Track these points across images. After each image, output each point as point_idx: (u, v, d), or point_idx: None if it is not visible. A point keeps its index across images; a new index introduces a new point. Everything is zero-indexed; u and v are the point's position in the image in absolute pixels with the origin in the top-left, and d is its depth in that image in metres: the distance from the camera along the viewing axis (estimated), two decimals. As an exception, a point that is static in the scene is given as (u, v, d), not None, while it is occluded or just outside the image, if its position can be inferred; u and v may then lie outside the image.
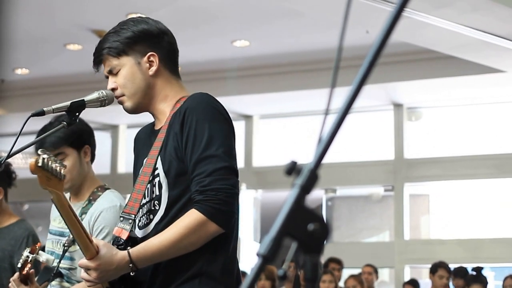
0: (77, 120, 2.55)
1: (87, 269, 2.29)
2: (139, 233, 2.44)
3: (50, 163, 2.30)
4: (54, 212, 3.23)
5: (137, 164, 2.59)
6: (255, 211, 11.58)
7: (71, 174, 3.07)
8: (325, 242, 1.07)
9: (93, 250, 2.28)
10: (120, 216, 2.46)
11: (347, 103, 1.08)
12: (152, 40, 2.49)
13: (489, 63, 8.50)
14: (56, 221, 3.20)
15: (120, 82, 2.48)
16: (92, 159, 3.23)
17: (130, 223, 2.40)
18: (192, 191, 2.29)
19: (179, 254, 2.29)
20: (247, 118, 11.31)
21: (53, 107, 2.48)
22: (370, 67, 1.08)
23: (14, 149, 2.50)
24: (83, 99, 2.55)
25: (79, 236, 2.31)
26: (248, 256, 11.00)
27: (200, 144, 2.30)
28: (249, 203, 11.42)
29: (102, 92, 2.55)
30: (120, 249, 2.32)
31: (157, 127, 2.52)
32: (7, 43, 9.33)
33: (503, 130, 10.48)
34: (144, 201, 2.43)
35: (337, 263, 8.42)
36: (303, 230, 1.05)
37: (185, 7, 7.93)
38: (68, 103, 2.50)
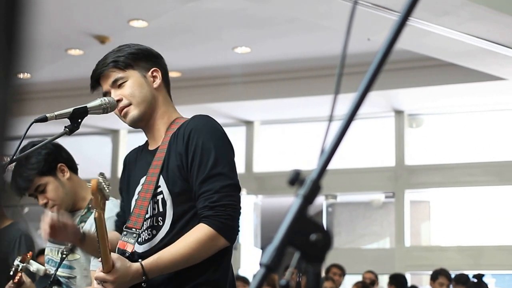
0: (78, 127, 2.55)
1: (103, 281, 2.35)
2: (138, 248, 2.51)
3: (105, 185, 2.37)
4: None
5: (130, 182, 2.65)
6: (255, 217, 11.60)
7: (59, 200, 3.11)
8: (327, 252, 1.08)
9: (110, 264, 2.34)
10: (124, 230, 2.53)
11: (350, 112, 1.09)
12: (153, 59, 2.63)
13: (490, 71, 8.51)
14: None
15: (127, 92, 2.55)
16: (74, 169, 3.22)
17: (135, 237, 2.48)
18: (200, 207, 2.40)
19: (188, 266, 2.39)
20: (248, 123, 11.33)
21: (56, 113, 2.49)
22: (374, 77, 1.10)
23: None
24: (86, 106, 2.57)
25: (105, 250, 2.34)
26: (248, 261, 11.00)
27: (208, 163, 2.41)
28: (250, 208, 11.42)
29: (104, 99, 2.57)
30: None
31: (152, 147, 2.62)
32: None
33: (504, 137, 10.49)
34: (146, 216, 2.51)
35: (338, 268, 8.44)
36: (305, 240, 1.07)
37: (186, 14, 7.96)
38: (70, 109, 2.51)
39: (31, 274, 3.17)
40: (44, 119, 2.46)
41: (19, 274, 2.94)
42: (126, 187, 2.68)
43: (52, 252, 3.17)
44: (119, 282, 2.34)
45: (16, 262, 2.99)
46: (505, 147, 10.41)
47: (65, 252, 3.04)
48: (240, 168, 11.39)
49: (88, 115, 2.57)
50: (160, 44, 9.88)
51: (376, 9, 6.51)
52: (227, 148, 2.47)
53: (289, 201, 1.08)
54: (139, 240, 2.51)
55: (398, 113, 10.71)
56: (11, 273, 2.97)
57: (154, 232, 2.48)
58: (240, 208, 2.41)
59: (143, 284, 2.39)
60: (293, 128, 11.28)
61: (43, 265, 3.17)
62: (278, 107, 10.54)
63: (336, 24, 7.10)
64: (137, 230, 2.49)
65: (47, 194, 3.11)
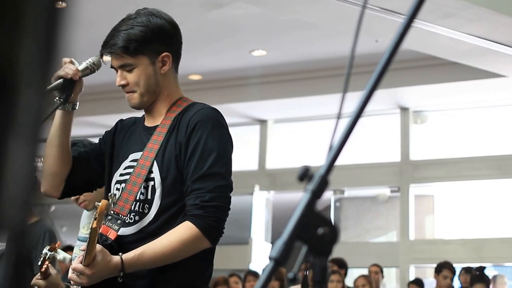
0: (71, 94, 2.45)
1: (80, 273, 2.24)
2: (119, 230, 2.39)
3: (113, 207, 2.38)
4: (84, 220, 3.36)
5: (119, 151, 2.52)
6: (267, 212, 11.56)
7: (90, 197, 3.18)
8: (334, 245, 1.08)
9: (92, 258, 2.24)
10: (108, 215, 2.39)
11: (357, 111, 1.09)
12: (166, 39, 2.44)
13: (491, 69, 8.57)
14: (85, 228, 3.30)
15: (133, 80, 2.41)
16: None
17: (119, 224, 2.37)
18: (190, 204, 2.28)
19: (167, 263, 2.27)
20: (262, 122, 11.35)
21: (47, 87, 2.53)
22: (380, 76, 1.10)
23: None
24: None
25: (92, 244, 2.25)
26: (259, 256, 10.97)
27: (207, 161, 2.29)
28: (262, 204, 11.42)
29: (89, 61, 2.51)
30: (106, 247, 2.29)
31: (148, 124, 2.50)
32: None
33: (505, 132, 10.50)
34: (133, 202, 2.39)
35: (335, 263, 8.32)
36: (313, 234, 1.06)
37: (209, 21, 8.15)
38: (60, 81, 2.44)
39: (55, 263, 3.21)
40: None
41: (46, 263, 2.90)
42: (110, 150, 2.54)
43: (79, 250, 3.27)
44: (95, 276, 2.24)
45: (45, 250, 2.95)
46: (506, 142, 10.41)
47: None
48: (253, 165, 11.48)
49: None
50: (182, 50, 10.00)
51: (383, 12, 6.59)
52: (228, 148, 2.36)
53: (300, 197, 1.08)
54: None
55: (403, 110, 10.72)
56: (39, 263, 2.93)
57: (137, 218, 2.36)
58: (228, 209, 2.29)
59: (119, 278, 2.26)
60: (304, 126, 11.29)
61: None
62: (291, 106, 10.59)
63: (345, 27, 7.17)
64: (123, 216, 2.37)
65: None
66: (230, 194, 2.31)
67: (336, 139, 1.09)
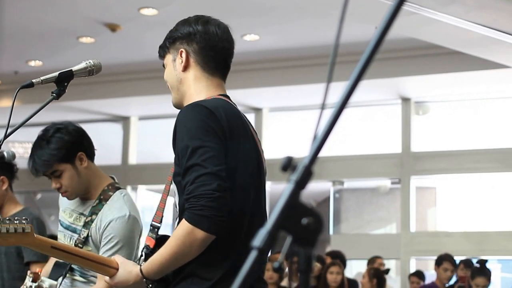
0: (64, 91, 2.55)
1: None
2: None
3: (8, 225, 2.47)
4: (63, 203, 3.27)
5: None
6: None
7: (72, 188, 3.12)
8: (318, 235, 1.09)
9: (109, 270, 2.46)
10: (150, 225, 2.58)
11: (342, 99, 1.09)
12: (183, 38, 2.58)
13: (495, 59, 8.49)
14: (67, 214, 3.23)
15: (165, 78, 2.64)
16: (92, 156, 3.20)
17: (156, 232, 2.55)
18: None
19: (182, 263, 2.37)
20: (257, 111, 11.29)
21: (42, 78, 2.50)
22: (366, 65, 1.10)
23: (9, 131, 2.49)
24: (71, 69, 2.58)
25: (88, 265, 2.48)
26: None
27: (184, 158, 2.35)
28: None
29: (89, 62, 2.59)
30: (147, 256, 2.48)
31: None
32: (21, 35, 9.47)
33: (509, 124, 10.47)
34: (163, 209, 2.59)
35: (333, 257, 8.33)
36: (297, 224, 1.07)
37: (196, 2, 7.99)
38: (56, 73, 2.50)
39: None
40: (30, 85, 2.46)
41: None
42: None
43: (65, 238, 3.18)
44: (121, 285, 2.46)
45: (29, 283, 2.96)
46: (510, 134, 10.40)
47: (79, 245, 3.06)
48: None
49: (74, 78, 2.58)
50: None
51: (383, -2, 6.56)
52: (203, 139, 2.36)
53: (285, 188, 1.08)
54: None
55: (405, 100, 10.67)
56: None
57: (177, 220, 2.48)
58: (218, 195, 2.28)
59: (150, 286, 2.44)
60: (301, 115, 11.20)
61: None
62: (286, 94, 10.52)
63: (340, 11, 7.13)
64: (158, 224, 2.57)
65: (62, 180, 3.11)
66: (218, 180, 2.30)
67: (321, 129, 1.09)
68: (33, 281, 2.94)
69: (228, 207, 2.31)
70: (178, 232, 2.32)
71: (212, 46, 2.58)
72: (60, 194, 3.24)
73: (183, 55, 2.56)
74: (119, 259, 2.49)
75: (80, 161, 3.14)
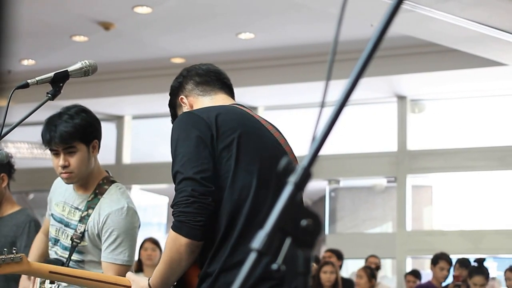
0: (60, 91, 2.55)
1: None
2: None
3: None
4: (55, 197, 3.24)
5: None
6: None
7: (79, 170, 3.08)
8: (317, 237, 1.09)
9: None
10: None
11: (342, 99, 1.09)
12: (177, 90, 2.75)
13: (491, 57, 8.47)
14: (59, 207, 3.20)
15: None
16: (99, 149, 3.21)
17: None
18: None
19: (180, 270, 2.42)
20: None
21: (37, 78, 2.50)
22: (367, 61, 1.10)
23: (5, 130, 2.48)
24: (67, 70, 2.58)
25: (99, 287, 2.60)
26: None
27: (173, 163, 2.45)
28: None
29: (85, 62, 2.59)
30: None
31: None
32: (14, 34, 9.40)
33: (505, 122, 10.49)
34: None
35: (333, 252, 8.36)
36: (296, 225, 1.08)
37: (190, 1, 7.94)
38: (51, 74, 2.50)
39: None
40: (25, 85, 2.46)
41: None
42: None
43: (57, 232, 3.17)
44: None
45: (48, 284, 3.05)
46: (506, 132, 10.42)
47: (76, 240, 3.06)
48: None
49: (70, 79, 2.58)
50: (164, 30, 9.95)
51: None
52: (182, 144, 2.44)
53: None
54: None
55: (401, 98, 10.68)
56: None
57: None
58: (193, 200, 2.34)
59: None
60: (296, 113, 11.24)
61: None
62: (282, 92, 10.52)
63: (339, 9, 7.10)
64: None
65: (72, 160, 3.07)
66: (192, 185, 2.34)
67: (320, 129, 1.09)
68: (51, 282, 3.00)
69: (208, 210, 2.34)
70: (167, 241, 2.40)
71: (199, 75, 2.72)
72: (53, 185, 3.22)
73: (184, 100, 2.70)
74: (130, 276, 2.59)
75: (93, 149, 3.14)
